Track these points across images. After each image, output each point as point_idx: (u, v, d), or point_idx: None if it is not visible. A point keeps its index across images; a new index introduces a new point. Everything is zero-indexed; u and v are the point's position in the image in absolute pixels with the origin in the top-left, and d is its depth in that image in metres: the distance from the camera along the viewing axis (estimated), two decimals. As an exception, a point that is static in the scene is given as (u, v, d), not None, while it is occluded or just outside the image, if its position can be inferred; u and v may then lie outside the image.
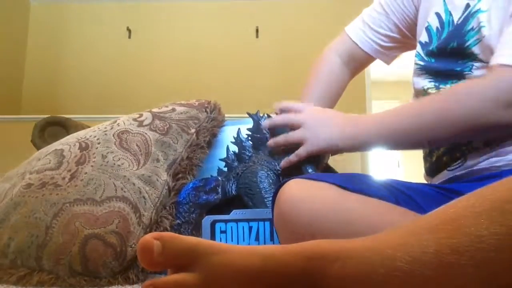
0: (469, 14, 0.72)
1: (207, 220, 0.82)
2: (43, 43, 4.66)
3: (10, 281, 0.74)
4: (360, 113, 3.59)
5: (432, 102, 0.70)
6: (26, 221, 0.77)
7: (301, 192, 0.61)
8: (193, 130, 0.96)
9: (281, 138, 0.79)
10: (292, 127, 0.78)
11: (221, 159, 0.95)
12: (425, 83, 0.80)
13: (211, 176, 0.91)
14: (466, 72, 0.72)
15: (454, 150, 0.73)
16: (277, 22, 4.72)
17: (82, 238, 0.73)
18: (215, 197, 0.84)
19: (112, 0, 4.73)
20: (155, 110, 1.00)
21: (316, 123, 0.76)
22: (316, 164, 0.81)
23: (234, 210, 0.81)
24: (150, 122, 0.93)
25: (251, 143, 0.90)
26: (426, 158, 0.82)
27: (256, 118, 0.90)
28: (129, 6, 4.74)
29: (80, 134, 0.93)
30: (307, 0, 4.78)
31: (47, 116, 2.40)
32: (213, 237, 0.81)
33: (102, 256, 0.72)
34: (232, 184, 0.90)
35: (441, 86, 0.77)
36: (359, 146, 0.74)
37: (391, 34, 0.95)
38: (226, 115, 1.18)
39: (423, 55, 0.81)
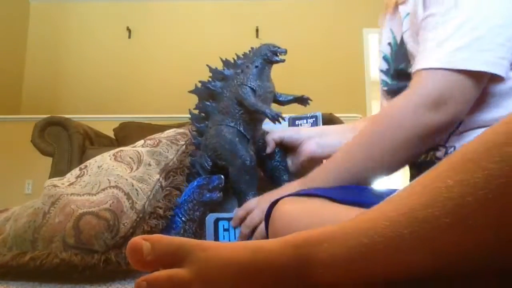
0: (401, 38, 0.76)
1: (210, 218, 0.82)
2: (43, 43, 4.64)
3: (3, 260, 0.76)
4: (360, 113, 3.60)
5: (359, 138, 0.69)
6: (27, 213, 0.81)
7: (295, 209, 0.61)
8: (182, 142, 1.01)
9: (243, 235, 0.78)
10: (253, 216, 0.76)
11: (190, 146, 0.99)
12: None
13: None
14: None
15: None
16: (277, 22, 4.72)
17: (77, 216, 0.76)
18: (218, 195, 0.84)
19: (112, 0, 4.73)
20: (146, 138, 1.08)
21: (269, 195, 0.76)
22: None
23: (236, 209, 0.81)
24: (142, 143, 1.00)
25: (203, 114, 0.94)
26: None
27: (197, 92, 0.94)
28: (129, 6, 4.74)
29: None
30: (307, 0, 4.79)
31: (47, 116, 2.39)
32: (216, 234, 0.81)
33: (95, 227, 0.75)
34: (205, 158, 0.92)
35: None
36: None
37: None
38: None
39: (388, 80, 0.82)
